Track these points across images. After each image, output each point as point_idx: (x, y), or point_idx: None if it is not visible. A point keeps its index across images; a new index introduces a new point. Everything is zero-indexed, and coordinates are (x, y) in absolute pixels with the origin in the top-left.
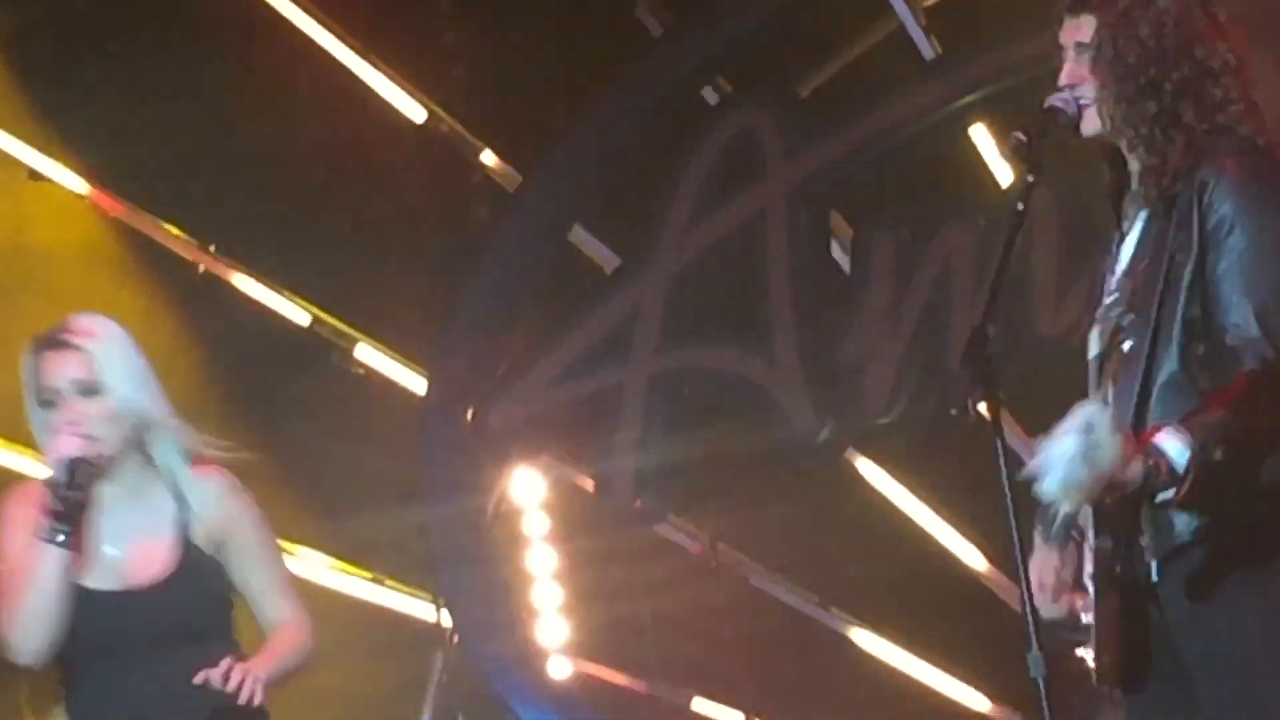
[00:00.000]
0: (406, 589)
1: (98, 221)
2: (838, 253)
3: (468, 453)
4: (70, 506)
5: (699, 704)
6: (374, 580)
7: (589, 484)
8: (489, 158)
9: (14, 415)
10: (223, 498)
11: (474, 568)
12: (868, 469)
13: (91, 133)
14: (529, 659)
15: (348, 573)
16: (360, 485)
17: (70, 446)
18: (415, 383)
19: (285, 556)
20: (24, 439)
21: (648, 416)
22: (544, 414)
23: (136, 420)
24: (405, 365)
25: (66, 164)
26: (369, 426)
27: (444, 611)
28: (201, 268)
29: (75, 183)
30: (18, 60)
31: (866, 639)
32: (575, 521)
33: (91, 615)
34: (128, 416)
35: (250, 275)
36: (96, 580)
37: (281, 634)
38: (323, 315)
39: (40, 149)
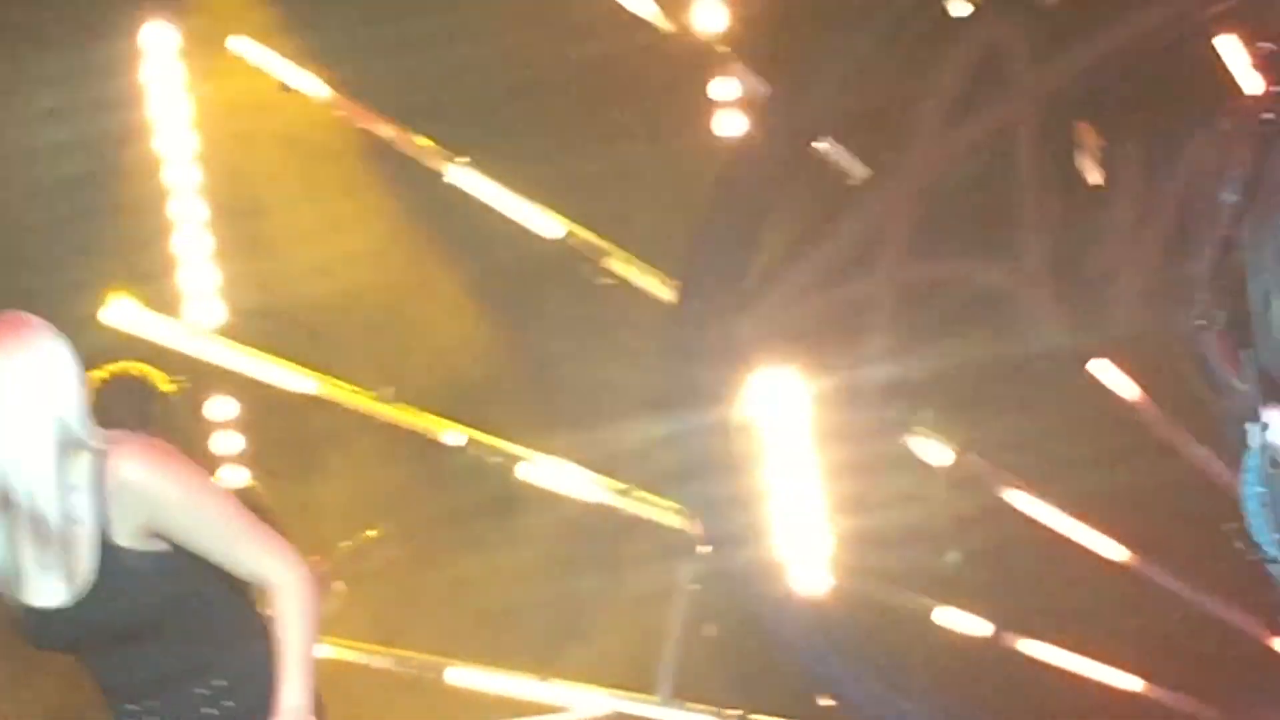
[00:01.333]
0: (655, 499)
1: (348, 134)
2: (1085, 163)
3: (716, 363)
4: None
5: (940, 614)
6: (623, 492)
7: (838, 394)
8: (737, 69)
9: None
10: (136, 487)
11: (722, 478)
12: (1111, 377)
13: (341, 47)
14: (777, 569)
15: (598, 484)
16: (610, 396)
17: None
18: (664, 293)
19: (529, 465)
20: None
21: (896, 326)
22: (792, 324)
23: (21, 444)
24: (654, 276)
25: (318, 75)
26: (619, 338)
27: (693, 522)
28: (450, 179)
29: (324, 94)
30: None
31: (1112, 550)
32: (823, 431)
33: (46, 629)
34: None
35: (504, 188)
36: (42, 599)
37: (283, 617)
38: (575, 228)
39: (292, 60)
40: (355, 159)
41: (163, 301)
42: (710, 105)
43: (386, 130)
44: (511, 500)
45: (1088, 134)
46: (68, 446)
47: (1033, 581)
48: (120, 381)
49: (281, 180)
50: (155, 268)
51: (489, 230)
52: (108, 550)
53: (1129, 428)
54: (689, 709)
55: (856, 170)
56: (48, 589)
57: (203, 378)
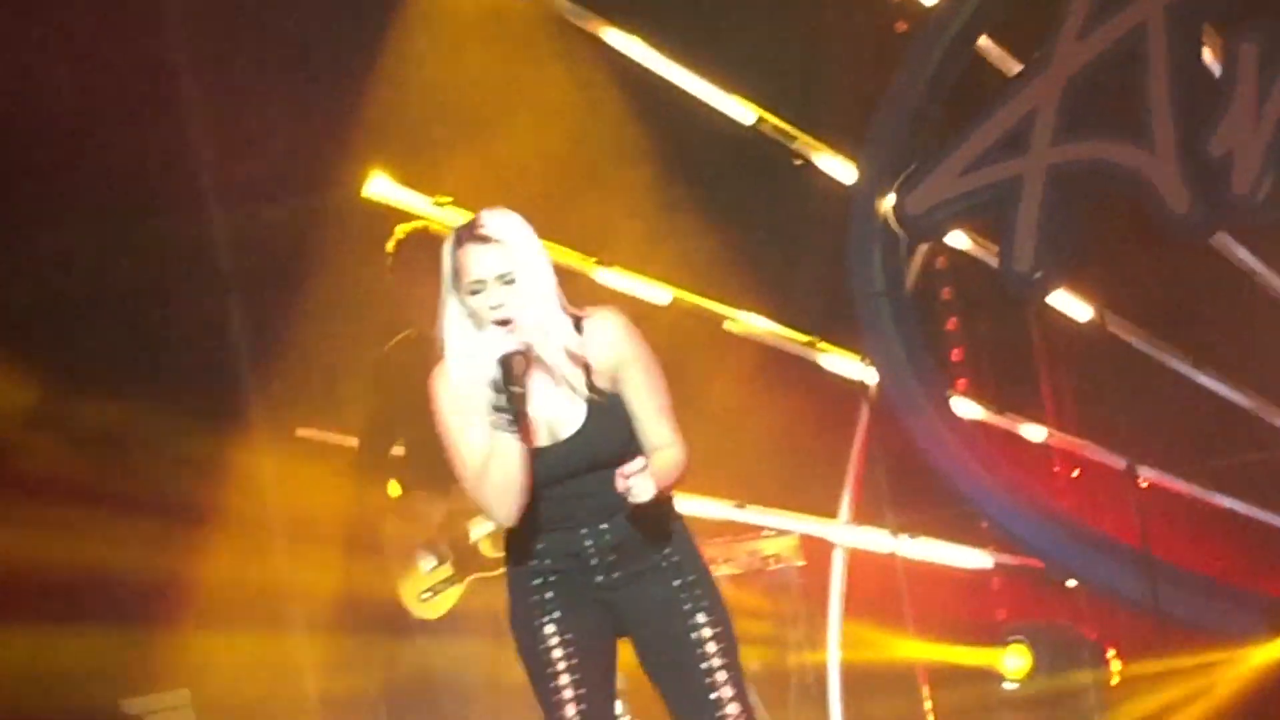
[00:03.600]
0: (837, 349)
1: (565, 30)
2: (1208, 59)
3: (888, 233)
4: (513, 400)
5: (1088, 449)
6: (809, 343)
7: (993, 259)
8: None
9: None
10: (613, 340)
11: (894, 329)
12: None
13: None
14: (940, 409)
15: (787, 337)
16: (796, 260)
17: (504, 344)
18: (845, 173)
19: (732, 317)
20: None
21: (1045, 201)
22: (954, 199)
23: (540, 298)
24: (836, 157)
25: None
26: (806, 210)
27: (869, 368)
28: (654, 70)
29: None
30: None
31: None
32: (980, 290)
33: (554, 461)
34: (535, 299)
35: (702, 78)
36: (537, 439)
37: (661, 455)
38: (765, 115)
39: None
40: (564, 56)
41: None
42: (884, 11)
43: (593, 23)
44: (716, 350)
45: (1211, 32)
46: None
47: (1158, 420)
48: (422, 233)
49: (507, 77)
50: (407, 148)
51: (687, 116)
52: (594, 390)
53: (1246, 289)
54: (867, 530)
55: (1010, 66)
56: (562, 424)
57: None
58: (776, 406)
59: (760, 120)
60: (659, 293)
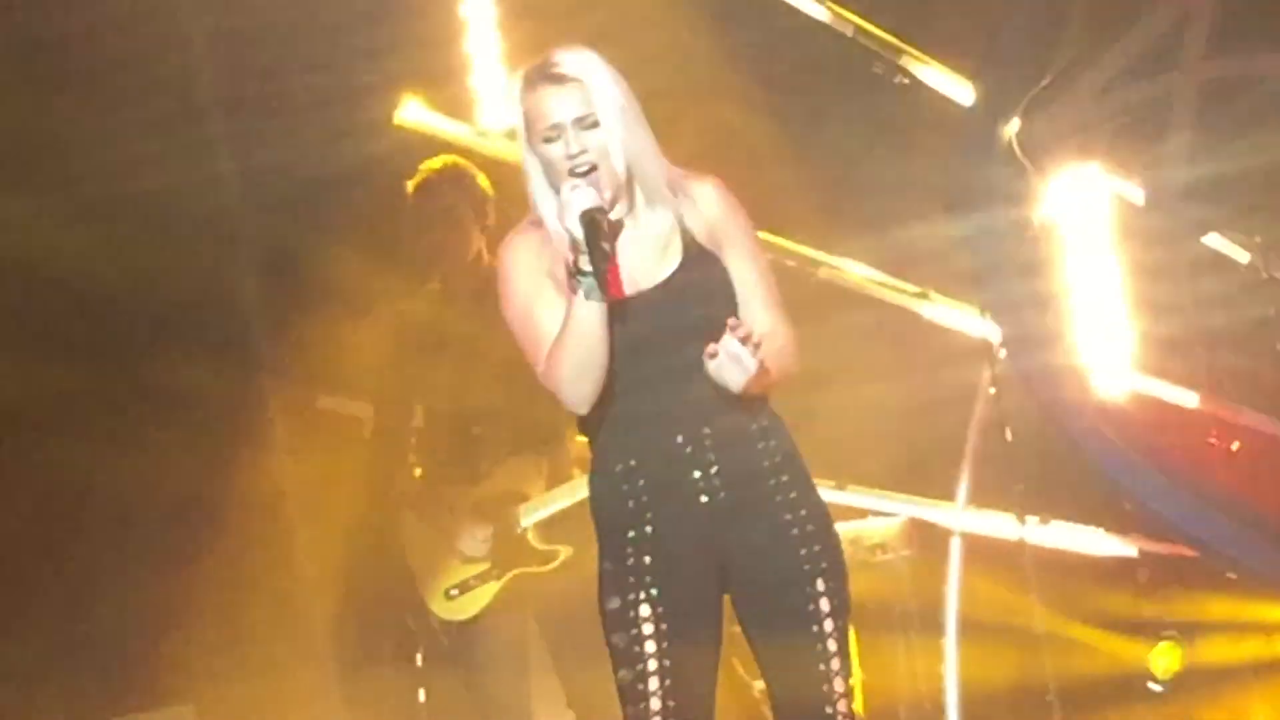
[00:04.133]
0: (952, 302)
1: None
2: None
3: (1013, 163)
4: (598, 261)
5: (1249, 418)
6: (919, 294)
7: (1136, 194)
8: None
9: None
10: (716, 200)
11: (1020, 280)
12: None
13: None
14: (1076, 372)
15: (893, 287)
16: (904, 197)
17: (583, 199)
18: (959, 93)
19: (824, 264)
20: None
21: (1198, 125)
22: (1091, 123)
23: (627, 143)
24: (950, 75)
25: None
26: (913, 137)
27: (991, 324)
28: None
29: None
30: None
31: None
32: (1121, 233)
33: (645, 311)
34: (623, 144)
35: None
36: (644, 283)
37: (769, 341)
38: (867, 25)
39: None
40: None
41: (456, 104)
42: None
43: None
44: (808, 302)
45: None
46: None
47: None
48: (454, 171)
49: None
50: (447, 70)
51: (784, 29)
52: (688, 240)
53: None
54: (989, 514)
55: None
56: (647, 273)
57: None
58: (880, 369)
59: (859, 30)
60: None
